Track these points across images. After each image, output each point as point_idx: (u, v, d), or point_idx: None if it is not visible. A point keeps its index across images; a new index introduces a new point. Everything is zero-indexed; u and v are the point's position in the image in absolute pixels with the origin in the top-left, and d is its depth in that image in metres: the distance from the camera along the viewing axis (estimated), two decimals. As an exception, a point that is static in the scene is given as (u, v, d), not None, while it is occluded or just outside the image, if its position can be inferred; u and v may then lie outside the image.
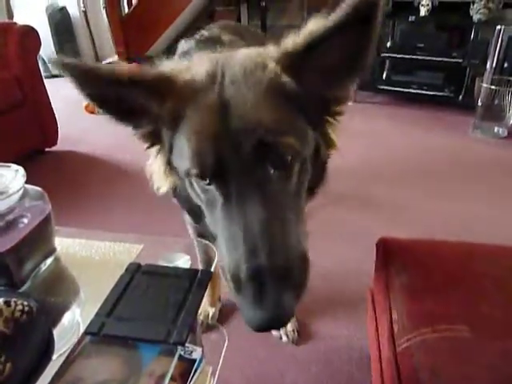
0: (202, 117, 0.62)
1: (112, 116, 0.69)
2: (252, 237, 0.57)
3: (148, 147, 0.74)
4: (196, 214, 0.78)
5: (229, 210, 0.60)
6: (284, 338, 1.45)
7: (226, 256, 0.61)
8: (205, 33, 1.31)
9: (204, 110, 0.62)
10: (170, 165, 0.71)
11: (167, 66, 0.73)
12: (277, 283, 0.54)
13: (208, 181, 0.62)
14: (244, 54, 0.71)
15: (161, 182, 0.78)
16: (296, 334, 1.46)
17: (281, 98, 0.64)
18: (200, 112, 0.63)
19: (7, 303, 0.58)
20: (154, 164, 0.77)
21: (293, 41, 0.66)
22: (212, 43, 1.16)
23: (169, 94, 0.65)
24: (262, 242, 0.57)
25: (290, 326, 1.46)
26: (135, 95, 0.66)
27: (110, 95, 0.66)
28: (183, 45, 1.31)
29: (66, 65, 0.62)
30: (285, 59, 0.66)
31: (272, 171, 0.61)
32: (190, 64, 0.72)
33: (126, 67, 0.65)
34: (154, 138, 0.71)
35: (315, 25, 0.63)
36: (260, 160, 0.60)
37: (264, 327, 0.55)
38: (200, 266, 1.00)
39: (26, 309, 0.59)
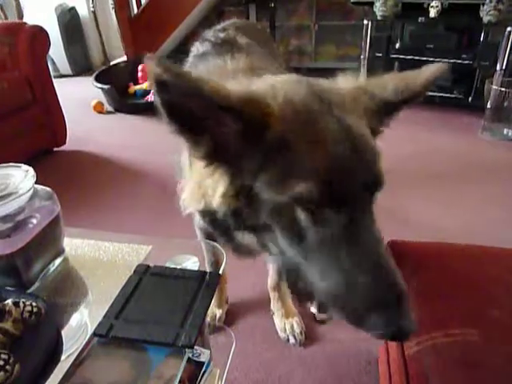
0: (329, 143, 0.60)
1: (178, 128, 0.61)
2: (383, 263, 0.60)
3: (206, 165, 0.67)
4: (230, 237, 0.78)
5: (356, 232, 0.61)
6: (291, 340, 1.44)
7: (346, 284, 0.60)
8: (220, 34, 1.30)
9: (328, 136, 0.61)
10: (241, 188, 0.66)
11: (246, 86, 0.68)
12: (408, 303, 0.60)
13: (327, 204, 0.60)
14: (322, 86, 0.71)
15: (192, 203, 0.74)
16: (303, 336, 1.45)
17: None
18: (323, 138, 0.61)
19: (16, 304, 0.59)
20: (195, 183, 0.72)
21: (385, 88, 0.72)
22: (228, 47, 1.16)
23: (270, 121, 0.61)
24: (391, 267, 0.61)
25: (297, 328, 1.45)
26: (226, 119, 0.61)
27: (194, 110, 0.59)
28: (198, 47, 1.30)
29: (168, 68, 0.56)
30: (379, 104, 0.72)
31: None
32: (270, 85, 0.68)
33: (223, 88, 0.59)
34: (217, 158, 0.65)
35: (407, 81, 0.74)
36: (374, 187, 0.65)
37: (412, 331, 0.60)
38: (207, 268, 1.00)
39: (35, 310, 0.59)
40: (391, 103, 0.73)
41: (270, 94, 0.65)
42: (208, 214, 0.74)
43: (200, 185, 0.72)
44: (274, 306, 1.53)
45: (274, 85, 0.68)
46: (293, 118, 0.62)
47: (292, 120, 0.62)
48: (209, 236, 1.21)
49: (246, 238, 0.77)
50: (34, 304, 0.60)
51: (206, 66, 1.07)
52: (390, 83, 0.73)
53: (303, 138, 0.61)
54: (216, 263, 1.05)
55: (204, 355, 0.67)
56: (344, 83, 0.75)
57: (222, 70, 0.96)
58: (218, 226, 0.79)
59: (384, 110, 0.73)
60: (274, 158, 0.61)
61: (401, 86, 0.72)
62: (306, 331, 1.47)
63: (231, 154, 0.64)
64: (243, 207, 0.67)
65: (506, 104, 2.93)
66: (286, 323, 1.48)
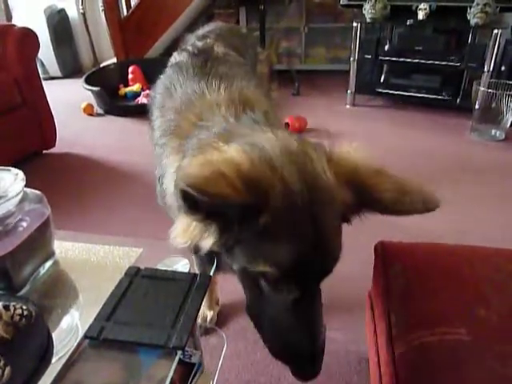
0: (299, 241, 0.68)
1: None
2: (315, 329, 0.74)
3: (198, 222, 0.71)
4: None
5: (299, 306, 0.72)
6: None
7: (285, 338, 0.75)
8: (198, 43, 1.29)
9: (300, 227, 0.67)
10: (225, 243, 0.71)
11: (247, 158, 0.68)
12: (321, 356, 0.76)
13: (283, 283, 0.70)
14: (313, 169, 0.72)
15: (181, 241, 0.76)
16: None
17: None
18: (296, 229, 0.67)
19: (6, 307, 0.58)
20: (184, 227, 0.74)
21: (379, 190, 0.73)
22: (205, 57, 1.16)
23: (265, 209, 0.66)
24: (319, 332, 0.75)
25: None
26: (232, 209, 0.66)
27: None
28: (175, 56, 1.28)
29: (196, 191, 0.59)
30: (363, 200, 0.75)
31: None
32: (270, 164, 0.69)
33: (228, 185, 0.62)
34: (210, 220, 0.69)
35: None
36: (324, 276, 0.74)
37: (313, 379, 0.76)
38: (196, 270, 1.00)
39: (25, 313, 0.59)
40: (376, 206, 0.75)
41: (269, 179, 0.67)
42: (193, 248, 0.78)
43: (189, 229, 0.74)
44: None
45: (274, 165, 0.68)
46: (280, 211, 0.67)
47: (279, 213, 0.66)
48: None
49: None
50: (24, 307, 0.59)
51: (183, 88, 1.03)
52: (387, 189, 0.73)
53: (281, 231, 0.67)
54: (204, 265, 1.06)
55: (195, 356, 0.68)
56: (346, 156, 0.76)
57: (203, 102, 0.96)
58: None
59: (365, 207, 0.76)
60: (255, 236, 0.68)
61: (393, 199, 0.73)
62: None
63: (222, 221, 0.68)
64: (224, 254, 0.75)
65: (493, 105, 2.96)
66: None
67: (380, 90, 3.63)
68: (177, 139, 0.93)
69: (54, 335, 0.63)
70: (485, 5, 2.93)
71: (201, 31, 1.48)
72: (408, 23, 3.31)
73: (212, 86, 0.99)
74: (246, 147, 0.71)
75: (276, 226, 0.66)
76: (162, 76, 1.21)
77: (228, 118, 0.87)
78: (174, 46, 4.27)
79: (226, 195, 0.60)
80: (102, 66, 4.46)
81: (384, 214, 0.75)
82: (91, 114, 3.66)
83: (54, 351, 0.62)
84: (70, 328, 0.72)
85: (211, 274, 0.76)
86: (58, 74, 4.83)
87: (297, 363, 0.76)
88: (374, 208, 0.75)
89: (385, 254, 1.09)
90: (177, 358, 0.60)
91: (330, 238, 0.71)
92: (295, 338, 0.74)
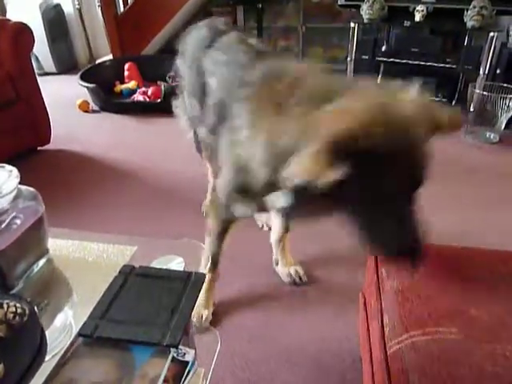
0: (411, 165, 0.91)
1: None
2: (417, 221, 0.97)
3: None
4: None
5: (405, 209, 0.95)
6: (297, 281, 1.69)
7: (390, 234, 0.94)
8: (226, 39, 1.43)
9: (411, 159, 0.91)
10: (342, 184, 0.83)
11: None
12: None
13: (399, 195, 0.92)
14: (404, 112, 0.90)
15: (304, 175, 0.82)
16: (305, 277, 1.70)
17: None
18: (405, 159, 0.89)
19: None
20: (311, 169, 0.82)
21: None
22: (253, 50, 1.31)
23: (377, 151, 0.81)
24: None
25: (300, 271, 1.70)
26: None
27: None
28: (218, 56, 1.39)
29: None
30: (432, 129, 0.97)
31: None
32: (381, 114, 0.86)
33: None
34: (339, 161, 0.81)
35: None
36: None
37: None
38: (202, 264, 1.00)
39: (19, 311, 0.59)
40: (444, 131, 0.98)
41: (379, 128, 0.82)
42: (302, 187, 0.86)
43: (313, 168, 0.80)
44: (279, 255, 1.73)
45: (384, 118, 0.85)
46: (392, 150, 0.84)
47: (392, 152, 0.85)
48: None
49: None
50: (17, 305, 0.59)
51: (263, 72, 1.12)
52: (445, 119, 0.97)
53: (399, 161, 0.88)
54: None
55: (189, 355, 0.68)
56: (414, 98, 0.98)
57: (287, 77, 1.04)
58: (300, 201, 0.97)
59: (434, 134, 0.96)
60: (377, 170, 0.85)
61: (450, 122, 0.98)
62: (292, 329, 1.48)
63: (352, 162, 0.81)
64: (335, 191, 0.83)
65: (488, 108, 2.98)
66: (290, 269, 1.71)
67: (376, 91, 3.63)
68: (272, 110, 0.99)
69: (47, 333, 0.63)
70: (481, 7, 2.94)
71: (211, 23, 1.59)
72: (405, 24, 3.32)
73: (287, 61, 1.19)
74: (363, 105, 0.87)
75: (390, 162, 0.86)
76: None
77: (322, 79, 1.04)
78: (171, 43, 4.25)
79: (371, 141, 0.79)
80: (97, 62, 4.43)
81: (446, 133, 0.98)
82: (87, 111, 3.64)
83: (48, 349, 0.62)
84: (64, 326, 0.72)
85: (206, 273, 0.76)
86: (53, 69, 4.79)
87: (406, 248, 0.94)
88: (443, 132, 0.98)
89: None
90: (170, 356, 0.60)
91: (424, 162, 0.93)
92: (403, 229, 0.95)
